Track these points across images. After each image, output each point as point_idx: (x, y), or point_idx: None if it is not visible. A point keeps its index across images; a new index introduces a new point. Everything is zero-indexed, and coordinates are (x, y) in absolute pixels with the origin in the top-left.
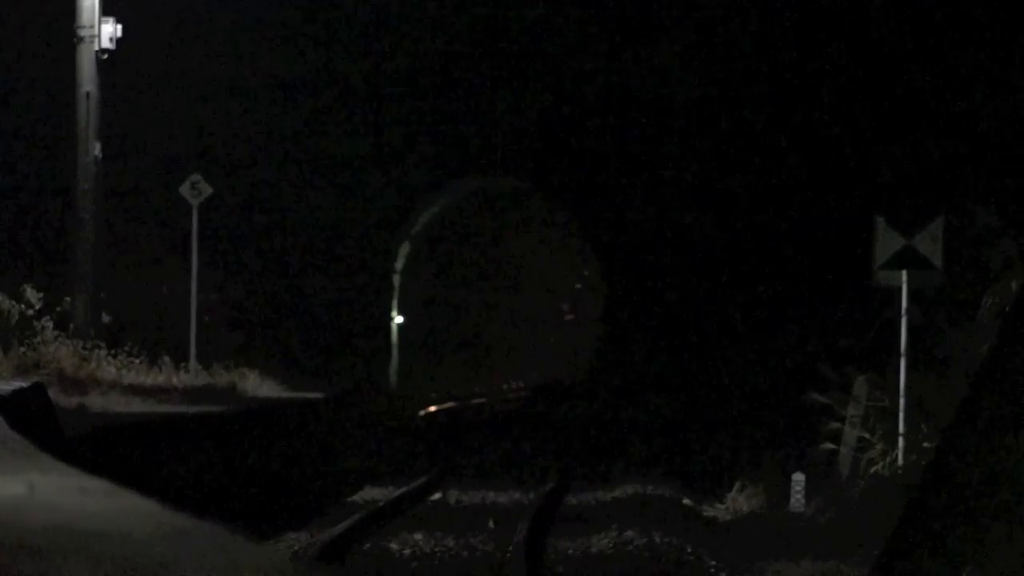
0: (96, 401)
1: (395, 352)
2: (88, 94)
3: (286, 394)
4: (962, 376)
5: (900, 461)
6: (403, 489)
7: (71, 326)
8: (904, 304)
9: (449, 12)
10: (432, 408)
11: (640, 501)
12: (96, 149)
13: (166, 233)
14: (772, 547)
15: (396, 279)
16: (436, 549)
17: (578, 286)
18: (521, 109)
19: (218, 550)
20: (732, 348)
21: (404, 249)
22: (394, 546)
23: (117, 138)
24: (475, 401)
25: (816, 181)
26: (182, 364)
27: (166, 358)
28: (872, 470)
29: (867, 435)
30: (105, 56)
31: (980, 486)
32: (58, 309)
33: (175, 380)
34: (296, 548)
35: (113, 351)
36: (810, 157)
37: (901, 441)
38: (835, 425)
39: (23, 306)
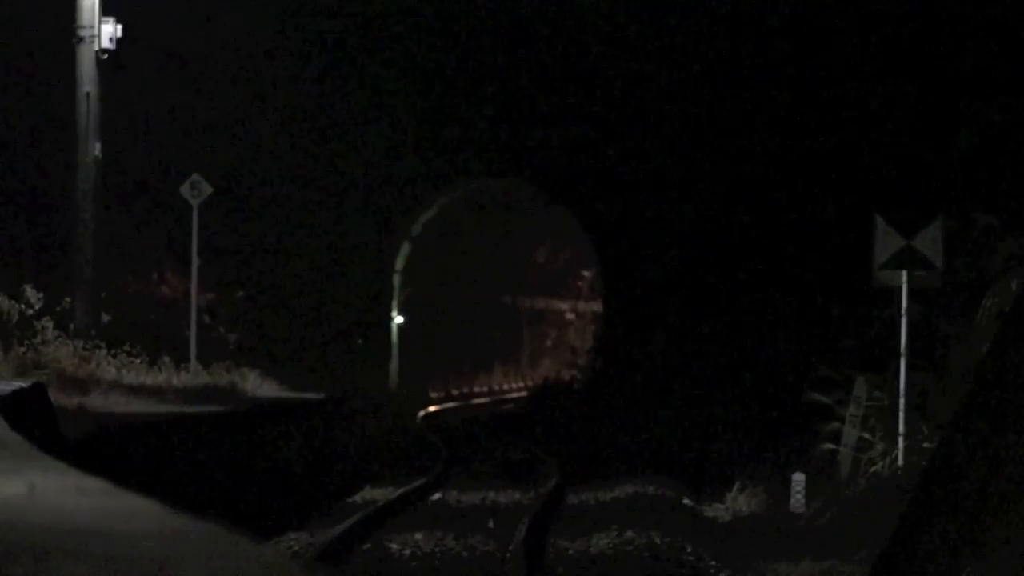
0: (96, 401)
1: (395, 352)
2: (88, 94)
3: (286, 394)
4: (962, 376)
5: (900, 461)
6: (403, 489)
7: (71, 326)
8: (904, 304)
9: (449, 12)
10: (432, 408)
11: (640, 501)
12: (96, 149)
13: (166, 233)
14: (772, 547)
15: (396, 279)
16: (436, 549)
17: (579, 284)
18: (521, 109)
19: (218, 550)
20: (732, 347)
21: (404, 249)
22: (394, 546)
23: (117, 138)
24: (475, 401)
25: (816, 181)
26: (182, 364)
27: (166, 358)
28: (872, 470)
29: (867, 435)
30: (105, 56)
31: (980, 486)
32: (58, 309)
33: (175, 380)
34: (296, 548)
35: (113, 351)
36: (811, 157)
37: (901, 441)
38: (835, 425)
39: (23, 306)
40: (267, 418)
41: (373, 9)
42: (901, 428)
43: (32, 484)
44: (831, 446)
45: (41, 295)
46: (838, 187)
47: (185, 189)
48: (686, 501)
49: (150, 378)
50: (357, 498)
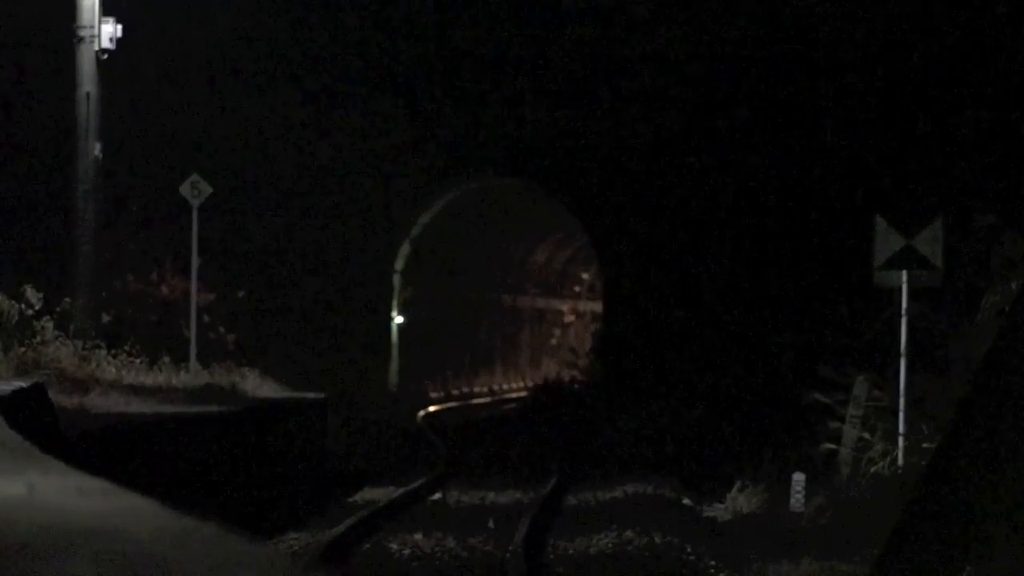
0: (96, 401)
1: (395, 352)
2: (88, 94)
3: (286, 394)
4: (962, 376)
5: (900, 461)
6: (403, 489)
7: (71, 326)
8: (904, 304)
9: (449, 12)
10: (432, 408)
11: (640, 501)
12: (96, 149)
13: (166, 233)
14: (772, 547)
15: (396, 279)
16: (436, 549)
17: (577, 288)
18: (522, 109)
19: (218, 550)
20: (732, 347)
21: (404, 249)
22: (394, 546)
23: (117, 138)
24: (475, 401)
25: (817, 180)
26: (182, 364)
27: (166, 358)
28: (872, 470)
29: (867, 435)
30: (105, 56)
31: (980, 486)
32: (58, 309)
33: (175, 380)
34: (296, 548)
35: (113, 351)
36: (811, 156)
37: (901, 441)
38: (835, 425)
39: (23, 306)
40: (267, 418)
41: (373, 9)
42: (901, 428)
43: (32, 484)
44: (831, 446)
45: (41, 295)
46: (838, 187)
47: (185, 189)
48: (686, 501)
49: (150, 378)
50: (357, 498)
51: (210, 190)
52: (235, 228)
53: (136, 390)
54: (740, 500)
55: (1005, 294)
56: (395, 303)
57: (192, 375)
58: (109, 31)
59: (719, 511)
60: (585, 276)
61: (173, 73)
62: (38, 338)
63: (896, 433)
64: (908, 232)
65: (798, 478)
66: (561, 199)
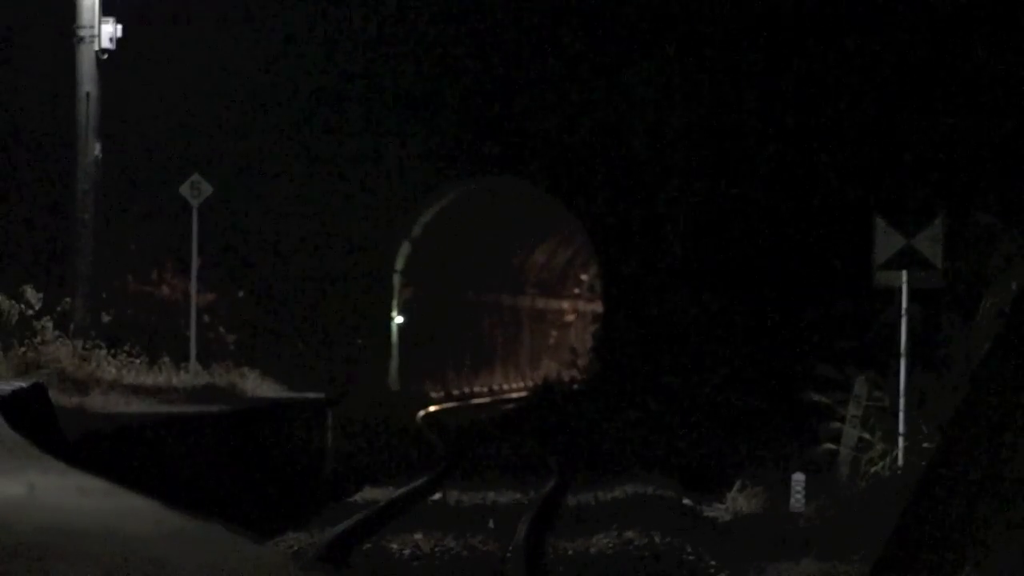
0: (96, 401)
1: (395, 352)
2: (88, 94)
3: (286, 394)
4: (962, 376)
5: (900, 461)
6: (403, 489)
7: (71, 326)
8: (904, 304)
9: (449, 12)
10: (432, 408)
11: (640, 501)
12: (96, 149)
13: (166, 233)
14: (772, 547)
15: (396, 279)
16: (436, 549)
17: (577, 288)
18: (521, 109)
19: (218, 550)
20: (732, 347)
21: (404, 249)
22: (394, 546)
23: (117, 138)
24: (475, 401)
25: (817, 180)
26: (182, 364)
27: (166, 358)
28: (872, 470)
29: (867, 435)
30: (105, 56)
31: (980, 486)
32: (58, 309)
33: (175, 380)
34: (296, 548)
35: (113, 351)
36: (811, 157)
37: (901, 441)
38: (835, 425)
39: (23, 306)
40: (267, 418)
41: (374, 6)
42: (901, 428)
43: (32, 484)
44: (831, 446)
45: (41, 295)
46: (839, 186)
47: (185, 189)
48: (686, 501)
49: (150, 378)
50: (357, 498)
51: (210, 190)
52: (235, 228)
53: (136, 390)
54: (740, 500)
55: (1005, 294)
56: (395, 303)
57: (192, 375)
58: (109, 31)
59: (719, 511)
60: (585, 277)
61: (174, 71)
62: (38, 338)
63: (896, 433)
64: (908, 232)
65: (798, 478)
66: (561, 199)
